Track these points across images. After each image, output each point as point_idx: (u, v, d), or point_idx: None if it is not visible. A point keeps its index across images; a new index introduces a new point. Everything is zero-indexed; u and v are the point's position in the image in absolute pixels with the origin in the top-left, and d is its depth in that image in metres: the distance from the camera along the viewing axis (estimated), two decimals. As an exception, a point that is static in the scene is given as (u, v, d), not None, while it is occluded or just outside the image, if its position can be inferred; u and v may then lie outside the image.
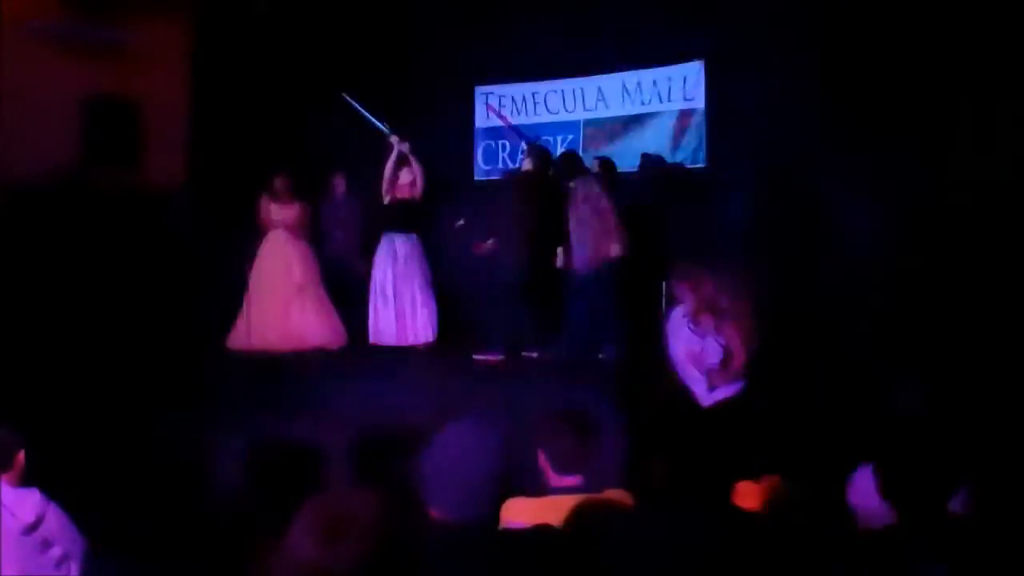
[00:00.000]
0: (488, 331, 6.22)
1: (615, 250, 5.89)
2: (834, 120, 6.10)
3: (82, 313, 6.27)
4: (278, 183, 6.81)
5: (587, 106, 7.40)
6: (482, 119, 7.81)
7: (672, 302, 5.33)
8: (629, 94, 7.22)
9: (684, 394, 5.07)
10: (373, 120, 6.76)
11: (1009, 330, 5.22)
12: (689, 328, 5.04)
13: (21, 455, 2.97)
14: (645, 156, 6.83)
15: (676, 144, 7.04)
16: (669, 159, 7.01)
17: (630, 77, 7.18)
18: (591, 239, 5.90)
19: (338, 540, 1.44)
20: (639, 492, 2.56)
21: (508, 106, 7.70)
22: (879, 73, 6.01)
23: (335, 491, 1.68)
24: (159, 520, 3.40)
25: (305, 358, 6.28)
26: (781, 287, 5.80)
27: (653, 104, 7.14)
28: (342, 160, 7.40)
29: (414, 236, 6.73)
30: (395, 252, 6.66)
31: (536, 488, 2.54)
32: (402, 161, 6.68)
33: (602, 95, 7.32)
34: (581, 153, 7.16)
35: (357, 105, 6.78)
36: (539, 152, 6.67)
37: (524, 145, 7.13)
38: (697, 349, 4.96)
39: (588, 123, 7.40)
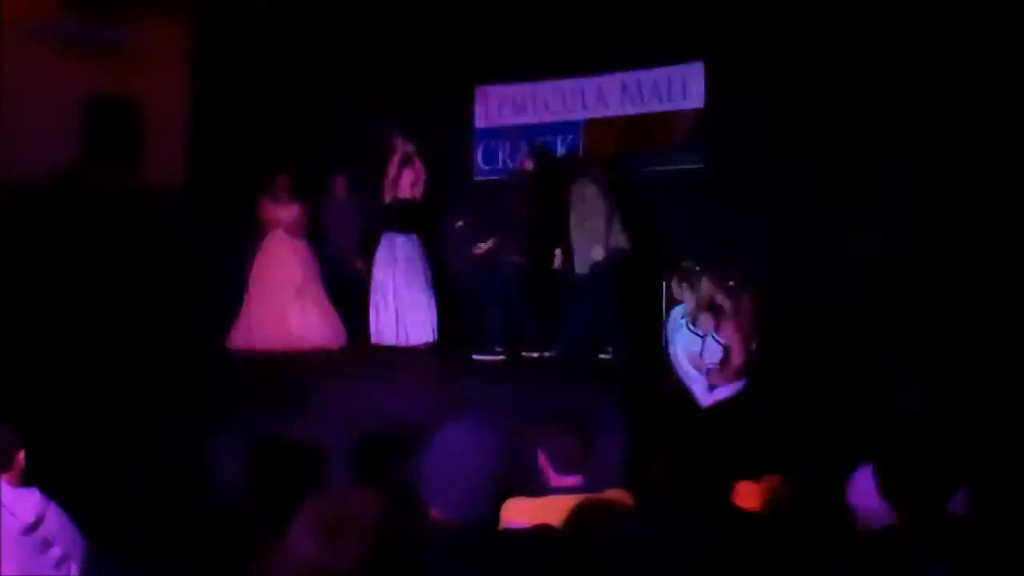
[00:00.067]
0: (488, 331, 6.22)
1: (614, 250, 5.89)
2: (834, 120, 6.11)
3: (82, 313, 6.27)
4: (278, 183, 6.82)
5: (587, 106, 7.39)
6: (482, 119, 7.81)
7: (672, 302, 5.34)
8: (629, 94, 7.21)
9: (684, 394, 5.07)
10: (379, 120, 6.76)
11: (1009, 330, 5.22)
12: (689, 328, 5.05)
13: (21, 455, 2.97)
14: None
15: (676, 144, 7.04)
16: (669, 159, 7.01)
17: (630, 77, 7.18)
18: (591, 239, 5.91)
19: (338, 540, 1.44)
20: (639, 492, 2.56)
21: (508, 106, 7.70)
22: (879, 73, 6.01)
23: (335, 491, 1.68)
24: (159, 520, 3.40)
25: (305, 358, 6.28)
26: (781, 287, 5.80)
27: (653, 104, 7.13)
28: (342, 160, 7.40)
29: (414, 236, 6.73)
30: (395, 252, 6.66)
31: (536, 488, 2.54)
32: (406, 161, 6.69)
33: (602, 95, 7.32)
34: (581, 153, 7.18)
35: (365, 106, 6.78)
36: (540, 153, 6.68)
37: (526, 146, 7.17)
38: (697, 349, 4.96)
39: (588, 123, 7.39)
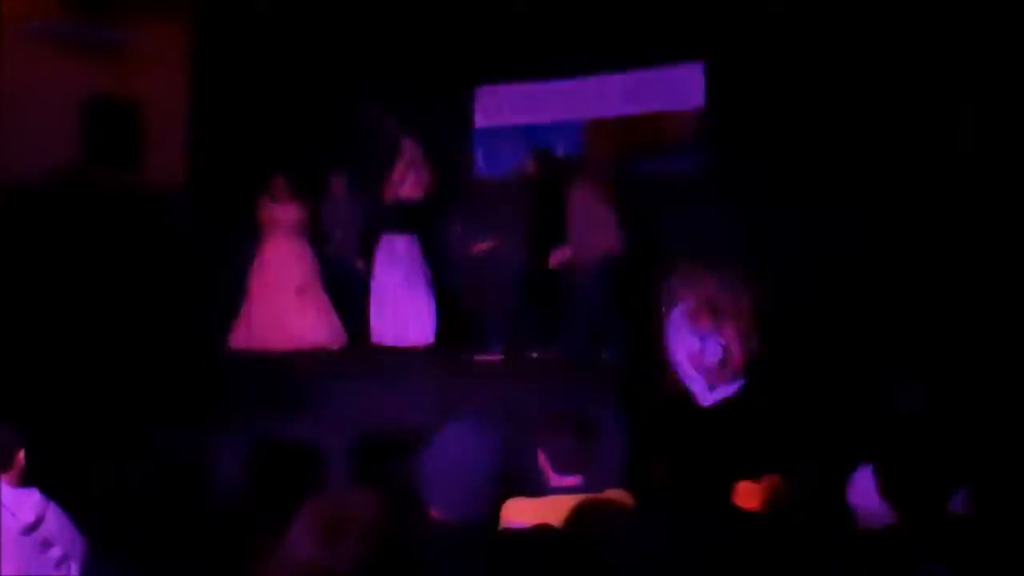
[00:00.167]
0: (488, 331, 6.22)
1: (614, 250, 5.89)
2: (834, 120, 6.10)
3: (82, 313, 6.27)
4: (276, 184, 6.82)
5: (587, 106, 7.39)
6: (482, 119, 7.80)
7: (672, 302, 5.33)
8: (629, 94, 7.21)
9: (684, 394, 5.08)
10: (388, 121, 6.76)
11: (1009, 330, 5.22)
12: (689, 328, 5.05)
13: (21, 455, 2.97)
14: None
15: (676, 144, 7.03)
16: (669, 159, 7.01)
17: (630, 77, 7.17)
18: (590, 240, 5.90)
19: (338, 540, 1.44)
20: (639, 492, 2.56)
21: (508, 106, 7.70)
22: (879, 72, 6.01)
23: (335, 491, 1.69)
24: (159, 520, 3.40)
25: (305, 358, 6.27)
26: (781, 287, 5.80)
27: (653, 104, 7.13)
28: (342, 160, 7.39)
29: (414, 236, 6.73)
30: (395, 253, 6.66)
31: (536, 488, 2.54)
32: (412, 165, 6.70)
33: (602, 95, 7.32)
34: (581, 153, 7.18)
35: (374, 106, 6.78)
36: (541, 154, 6.68)
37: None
38: (697, 349, 4.96)
39: (588, 123, 7.39)
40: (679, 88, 7.01)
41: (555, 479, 2.54)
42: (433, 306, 6.73)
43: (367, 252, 6.89)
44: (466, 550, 1.93)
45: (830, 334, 5.80)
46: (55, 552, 2.90)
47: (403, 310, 6.65)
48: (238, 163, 7.19)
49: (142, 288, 6.66)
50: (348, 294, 6.96)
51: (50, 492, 2.94)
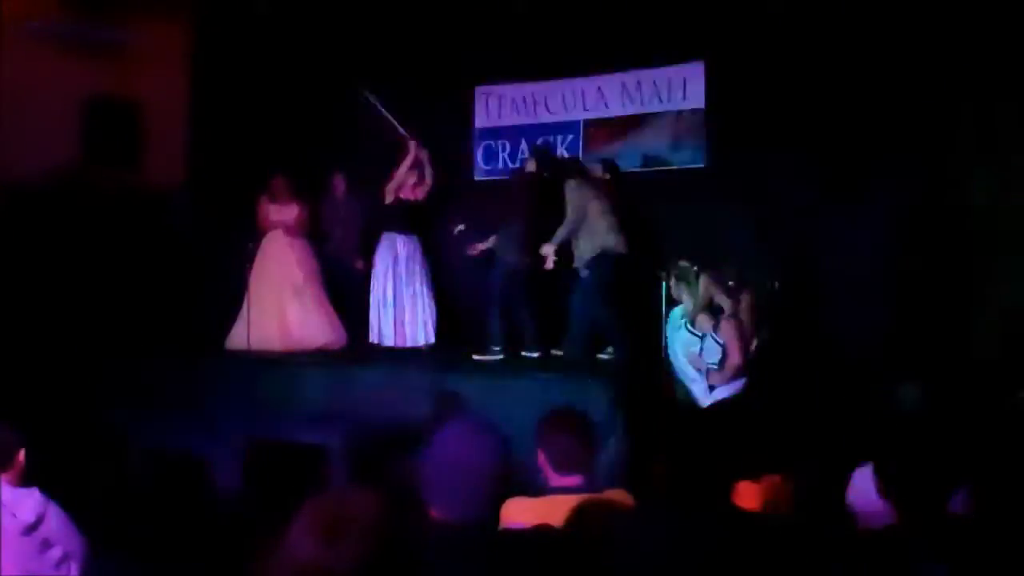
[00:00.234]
0: (488, 331, 6.21)
1: (614, 250, 5.89)
2: (834, 120, 6.11)
3: (82, 313, 6.28)
4: (276, 184, 6.82)
5: (587, 106, 7.39)
6: (482, 119, 7.81)
7: (672, 302, 5.34)
8: (629, 94, 7.21)
9: (684, 394, 5.08)
10: (393, 122, 6.75)
11: (1008, 330, 5.23)
12: (688, 328, 5.05)
13: (21, 455, 2.97)
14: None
15: (676, 144, 7.04)
16: (669, 159, 7.02)
17: (630, 77, 7.18)
18: (589, 240, 5.90)
19: (338, 540, 1.44)
20: (639, 492, 2.56)
21: (508, 106, 7.70)
22: (879, 72, 6.01)
23: (335, 491, 1.68)
24: (159, 520, 3.40)
25: (305, 358, 6.27)
26: (781, 287, 5.80)
27: (653, 104, 7.14)
28: (342, 160, 7.40)
29: (414, 237, 6.73)
30: (396, 253, 6.65)
31: (536, 488, 2.54)
32: (417, 166, 6.70)
33: (602, 95, 7.32)
34: (582, 154, 7.18)
35: (379, 107, 6.76)
36: (542, 154, 6.68)
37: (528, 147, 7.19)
38: (696, 349, 4.97)
39: (588, 123, 7.40)
40: (679, 88, 7.02)
41: (555, 479, 2.54)
42: (433, 306, 6.73)
43: (367, 252, 6.89)
44: (466, 550, 1.92)
45: (829, 334, 5.80)
46: (55, 552, 2.90)
47: (403, 310, 6.64)
48: (238, 163, 7.19)
49: (142, 288, 6.67)
50: (348, 294, 6.96)
51: (50, 492, 2.94)
